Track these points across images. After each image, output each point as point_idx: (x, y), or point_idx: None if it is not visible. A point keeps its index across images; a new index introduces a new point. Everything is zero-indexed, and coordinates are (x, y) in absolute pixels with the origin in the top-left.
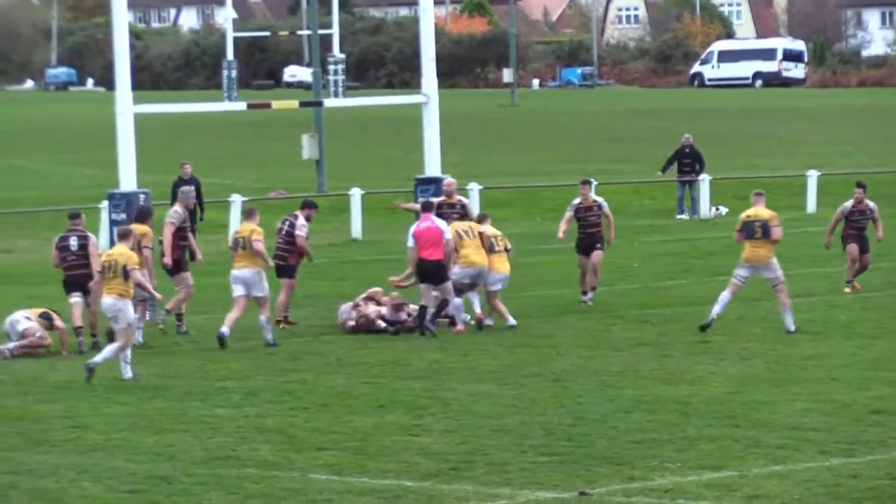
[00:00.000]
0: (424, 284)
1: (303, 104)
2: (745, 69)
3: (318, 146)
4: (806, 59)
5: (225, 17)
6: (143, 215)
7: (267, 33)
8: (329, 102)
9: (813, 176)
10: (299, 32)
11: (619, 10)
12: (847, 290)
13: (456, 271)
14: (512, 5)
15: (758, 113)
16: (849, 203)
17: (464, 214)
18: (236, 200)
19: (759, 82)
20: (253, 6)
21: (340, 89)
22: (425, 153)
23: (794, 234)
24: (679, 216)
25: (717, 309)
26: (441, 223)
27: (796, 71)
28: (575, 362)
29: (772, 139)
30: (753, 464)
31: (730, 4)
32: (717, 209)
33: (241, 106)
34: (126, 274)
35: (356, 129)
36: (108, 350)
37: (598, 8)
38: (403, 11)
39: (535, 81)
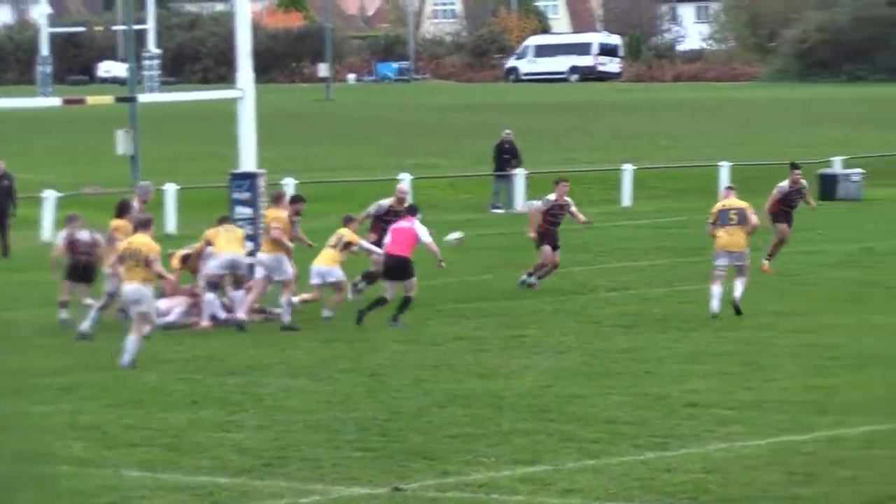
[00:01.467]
0: (388, 281)
1: (118, 100)
2: (561, 63)
3: (133, 142)
4: (621, 54)
5: (39, 12)
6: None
7: (82, 28)
8: (144, 98)
9: (628, 170)
10: (114, 28)
11: (436, 4)
12: (765, 265)
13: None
14: (328, 0)
15: (574, 107)
16: (785, 183)
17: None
18: (50, 196)
19: (574, 76)
20: (68, 1)
21: (156, 84)
22: (241, 148)
23: (608, 228)
24: (493, 210)
25: (715, 304)
26: (420, 228)
27: (612, 65)
28: (390, 357)
29: (587, 133)
30: (568, 458)
31: None
32: (530, 203)
33: (56, 101)
34: (147, 263)
35: (173, 124)
36: (131, 343)
37: (414, 3)
38: (219, 6)
39: (352, 76)
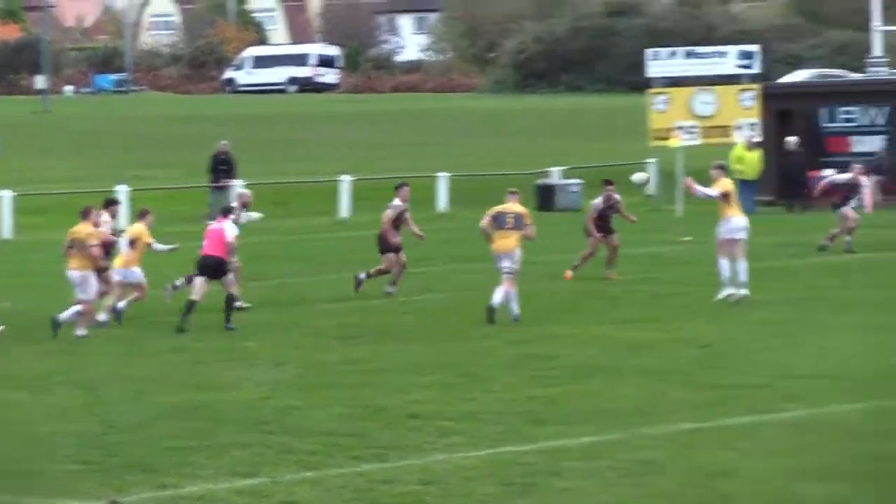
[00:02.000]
0: (201, 278)
1: None
2: (280, 75)
3: None
4: (340, 65)
5: None
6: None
7: None
8: None
9: (346, 181)
10: None
11: (154, 16)
12: (568, 273)
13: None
14: (45, 12)
15: (292, 118)
16: (599, 200)
17: None
18: None
19: (293, 88)
20: None
21: None
22: None
23: (328, 240)
24: (209, 222)
25: (496, 299)
26: (230, 227)
27: (330, 76)
28: (109, 369)
29: (305, 145)
30: (286, 470)
31: (264, 11)
32: (249, 215)
33: None
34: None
35: None
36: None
37: (131, 14)
38: None
39: (69, 88)
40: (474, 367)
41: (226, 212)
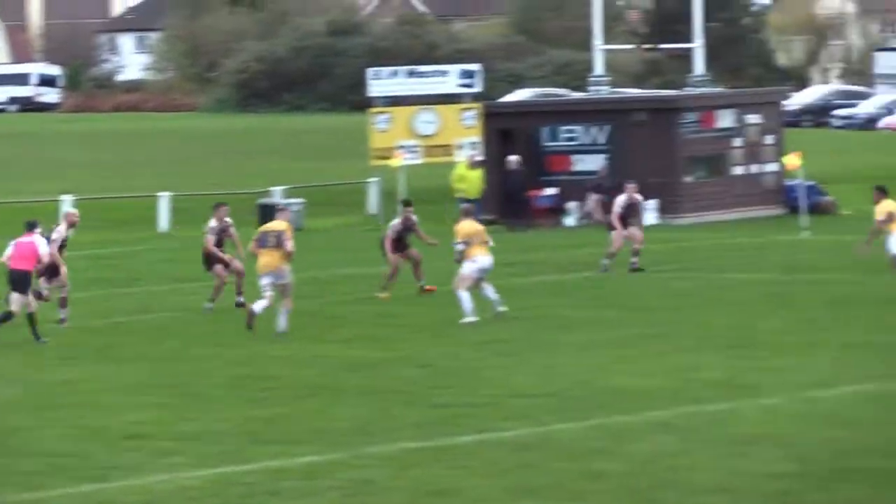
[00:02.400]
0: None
1: None
2: (0, 94)
3: None
4: (61, 84)
5: None
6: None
7: None
8: None
9: (67, 200)
10: None
11: None
12: (383, 295)
13: None
14: None
15: (12, 138)
16: (397, 221)
17: None
18: None
19: (14, 107)
20: None
21: None
22: None
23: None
24: None
25: (259, 304)
26: (40, 241)
27: (51, 95)
28: None
29: (26, 164)
30: (9, 490)
31: None
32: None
33: None
34: None
35: None
36: None
37: None
38: None
39: None
40: (194, 387)
41: (31, 226)
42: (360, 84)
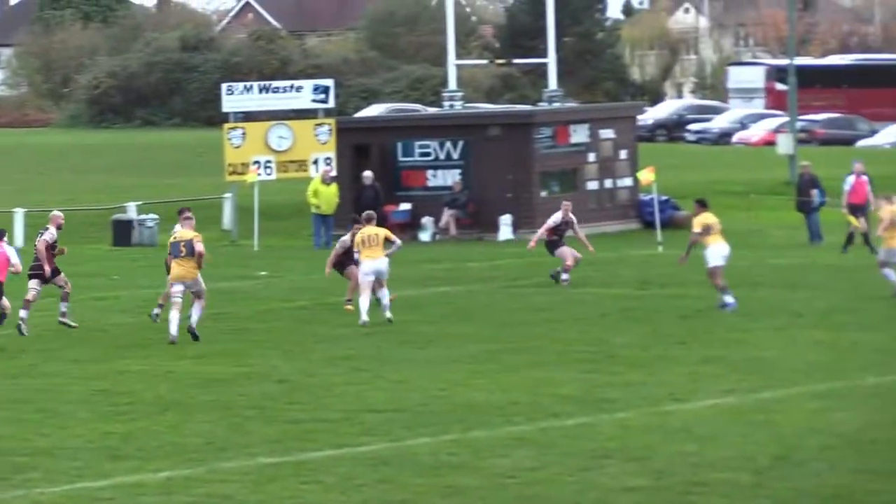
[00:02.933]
0: None
1: None
2: None
3: None
4: None
5: None
6: None
7: None
8: None
9: None
10: None
11: None
12: (348, 307)
13: None
14: None
15: None
16: (347, 237)
17: None
18: None
19: None
20: None
21: None
22: None
23: None
24: None
25: (172, 328)
26: (10, 250)
27: None
28: None
29: None
30: None
31: None
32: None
33: None
34: None
35: None
36: None
37: None
38: None
39: None
40: (48, 403)
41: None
42: (214, 99)
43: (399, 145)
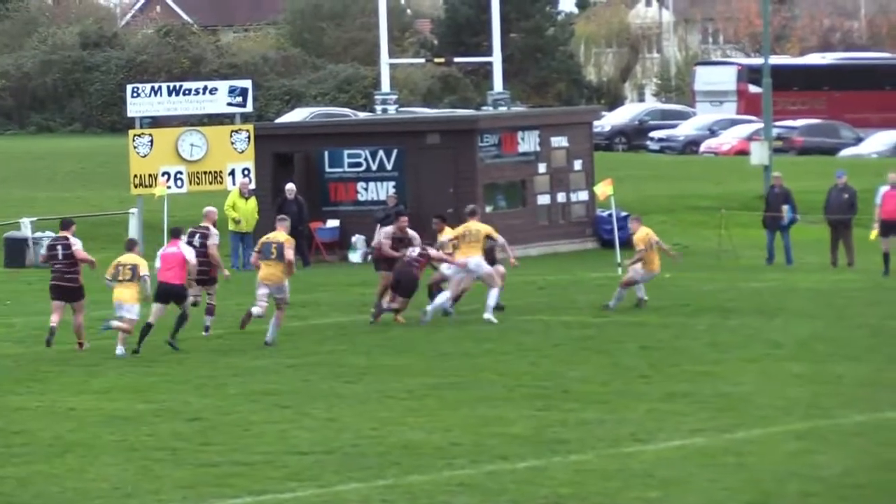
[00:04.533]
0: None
1: None
2: None
3: None
4: None
5: None
6: None
7: None
8: None
9: None
10: None
11: None
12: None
13: None
14: None
15: None
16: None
17: None
18: None
19: None
20: None
21: None
22: None
23: None
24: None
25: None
26: (186, 249)
27: None
28: None
29: None
30: None
31: None
32: None
33: None
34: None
35: None
36: None
37: None
38: None
39: None
40: None
41: (176, 234)
42: (117, 103)
43: (326, 154)
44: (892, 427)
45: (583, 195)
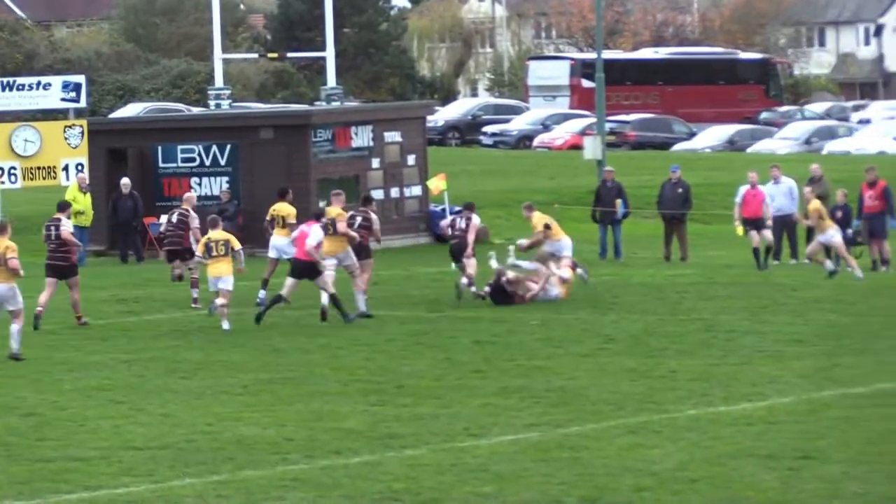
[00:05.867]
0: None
1: None
2: None
3: None
4: None
5: None
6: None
7: None
8: None
9: None
10: None
11: None
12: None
13: None
14: None
15: None
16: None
17: None
18: None
19: None
20: None
21: None
22: None
23: None
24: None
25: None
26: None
27: None
28: None
29: None
30: None
31: None
32: None
33: None
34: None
35: None
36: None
37: None
38: None
39: None
40: None
41: (318, 216)
42: None
43: (159, 149)
44: (725, 422)
45: (416, 190)
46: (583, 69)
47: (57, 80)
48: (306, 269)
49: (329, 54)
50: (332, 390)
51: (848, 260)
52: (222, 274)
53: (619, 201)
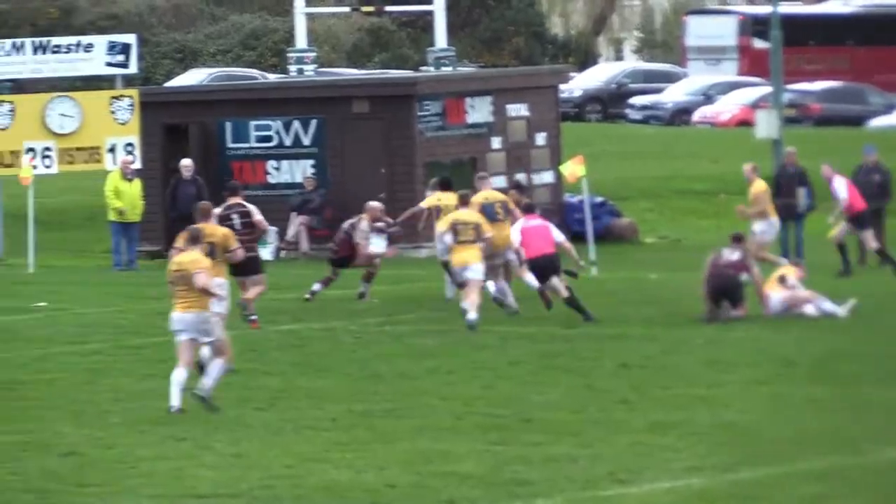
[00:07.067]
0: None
1: None
2: None
3: None
4: None
5: None
6: None
7: None
8: None
9: None
10: None
11: None
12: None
13: None
14: None
15: None
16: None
17: None
18: None
19: None
20: None
21: None
22: None
23: None
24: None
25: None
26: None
27: None
28: None
29: None
30: None
31: None
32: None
33: None
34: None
35: None
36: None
37: None
38: None
39: None
40: None
41: (529, 209)
42: None
43: (228, 126)
44: None
45: (547, 176)
46: (754, 26)
47: (101, 41)
48: (550, 265)
49: (438, 8)
50: (443, 425)
51: None
52: (469, 262)
53: (801, 190)
